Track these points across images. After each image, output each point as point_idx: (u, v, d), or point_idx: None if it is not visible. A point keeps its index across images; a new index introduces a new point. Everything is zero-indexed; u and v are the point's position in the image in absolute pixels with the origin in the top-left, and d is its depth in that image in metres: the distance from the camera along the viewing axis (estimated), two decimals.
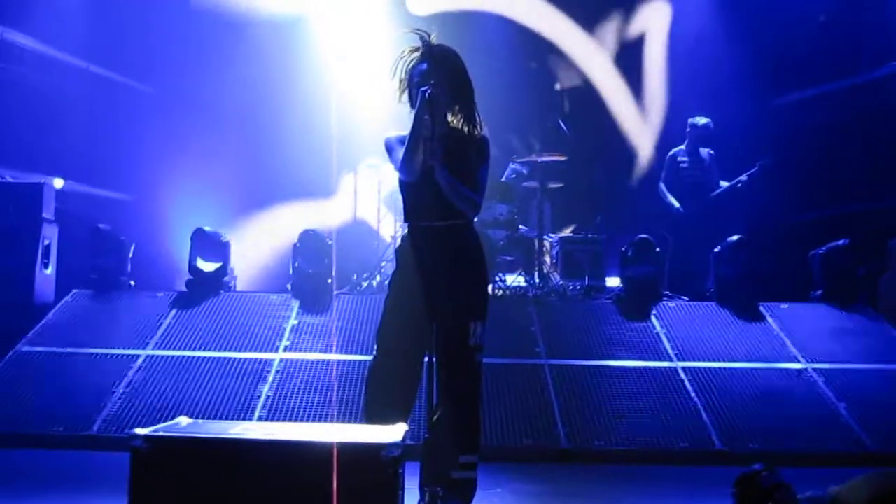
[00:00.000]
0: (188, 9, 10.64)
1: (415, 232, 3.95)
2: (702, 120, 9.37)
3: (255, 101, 10.40)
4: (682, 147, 9.46)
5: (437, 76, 3.78)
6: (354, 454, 2.71)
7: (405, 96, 3.91)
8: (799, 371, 6.59)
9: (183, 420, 3.12)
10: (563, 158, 9.42)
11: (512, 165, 9.69)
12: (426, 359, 3.92)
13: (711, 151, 9.43)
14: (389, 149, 3.93)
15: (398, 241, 4.11)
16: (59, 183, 8.60)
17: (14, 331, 6.79)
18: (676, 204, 9.20)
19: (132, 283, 7.88)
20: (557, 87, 11.79)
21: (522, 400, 6.11)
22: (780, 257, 9.59)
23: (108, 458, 4.99)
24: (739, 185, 9.13)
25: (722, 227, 8.82)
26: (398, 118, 4.04)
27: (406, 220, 4.02)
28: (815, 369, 6.60)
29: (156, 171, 10.18)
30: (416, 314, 3.85)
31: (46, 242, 7.76)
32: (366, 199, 10.28)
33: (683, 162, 9.36)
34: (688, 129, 9.42)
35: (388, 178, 9.21)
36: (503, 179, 9.37)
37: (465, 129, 3.91)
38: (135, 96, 10.55)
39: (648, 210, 10.02)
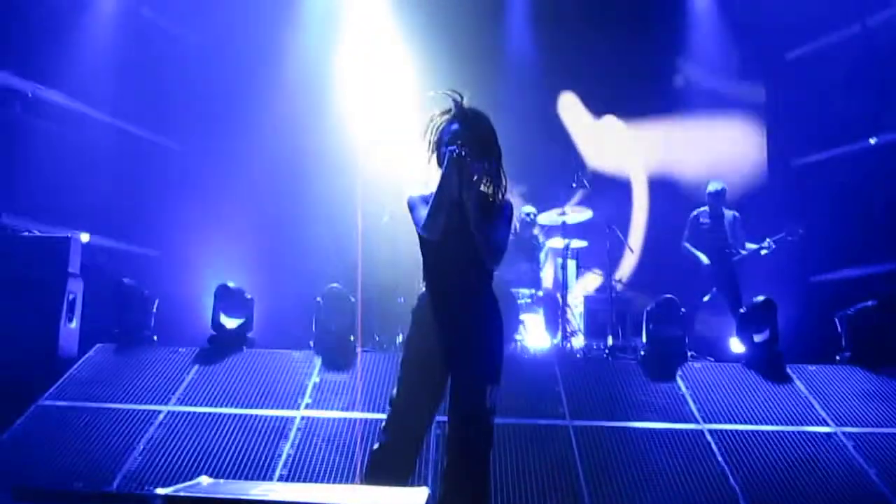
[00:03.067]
0: (215, 67, 10.78)
1: (435, 293, 3.93)
2: (715, 186, 9.46)
3: (281, 160, 10.50)
4: (706, 209, 9.50)
5: (466, 137, 3.80)
6: None
7: (434, 159, 3.93)
8: (828, 435, 6.46)
9: (204, 480, 3.09)
10: (588, 216, 9.43)
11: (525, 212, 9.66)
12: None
13: (737, 214, 9.45)
14: (412, 207, 3.94)
15: (416, 302, 4.06)
16: (84, 237, 8.65)
17: (37, 384, 6.79)
18: (705, 260, 9.19)
19: (155, 338, 7.88)
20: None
21: (546, 460, 6.01)
22: (806, 318, 9.51)
23: None
24: (765, 251, 9.15)
25: (746, 288, 8.79)
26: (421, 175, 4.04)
27: (426, 279, 4.01)
28: (844, 433, 6.48)
29: (181, 226, 10.28)
30: (431, 377, 3.83)
31: (71, 297, 7.77)
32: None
33: (705, 224, 9.43)
34: (707, 193, 9.52)
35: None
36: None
37: (490, 191, 3.92)
38: (161, 152, 10.68)
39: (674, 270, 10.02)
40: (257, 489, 2.94)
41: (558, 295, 9.07)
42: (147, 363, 7.18)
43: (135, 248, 10.28)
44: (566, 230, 9.30)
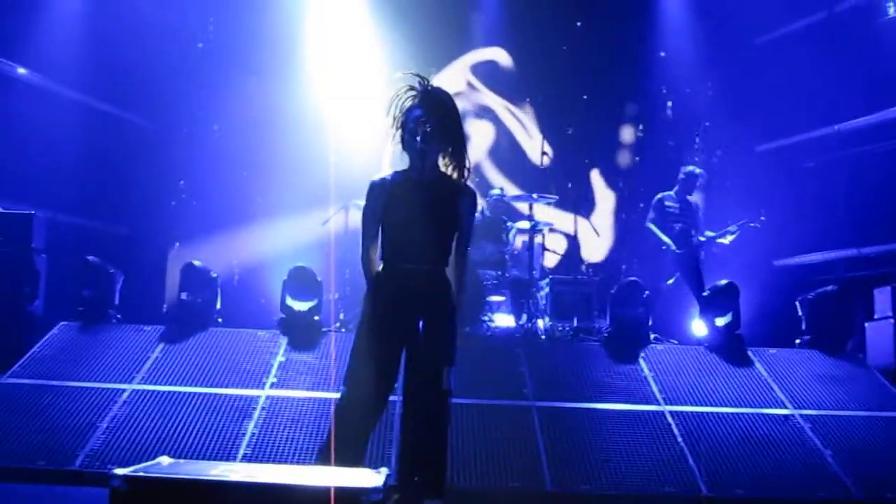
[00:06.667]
0: (185, 42, 10.66)
1: (394, 273, 3.95)
2: (696, 170, 9.45)
3: (252, 139, 10.44)
4: (671, 192, 9.49)
5: (431, 122, 3.79)
6: (336, 499, 2.69)
7: (398, 135, 3.93)
8: (786, 417, 6.58)
9: (164, 460, 3.10)
10: (554, 198, 9.47)
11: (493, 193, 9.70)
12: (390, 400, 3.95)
13: (699, 200, 9.50)
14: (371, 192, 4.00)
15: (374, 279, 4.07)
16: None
17: (0, 362, 6.75)
18: (674, 246, 9.19)
19: (119, 316, 7.82)
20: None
21: (509, 442, 6.06)
22: (770, 302, 9.62)
23: (89, 493, 4.95)
24: (730, 237, 9.18)
25: (709, 272, 8.88)
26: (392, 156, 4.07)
27: (384, 258, 4.01)
28: (801, 415, 6.60)
29: (148, 204, 10.19)
30: (387, 356, 3.84)
31: (35, 274, 7.73)
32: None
33: (672, 207, 9.38)
34: (681, 177, 9.47)
35: None
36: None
37: (455, 174, 3.93)
38: (129, 128, 10.54)
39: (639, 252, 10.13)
40: (216, 470, 2.96)
41: (524, 279, 9.10)
42: (111, 341, 7.14)
43: (101, 225, 10.18)
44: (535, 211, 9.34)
